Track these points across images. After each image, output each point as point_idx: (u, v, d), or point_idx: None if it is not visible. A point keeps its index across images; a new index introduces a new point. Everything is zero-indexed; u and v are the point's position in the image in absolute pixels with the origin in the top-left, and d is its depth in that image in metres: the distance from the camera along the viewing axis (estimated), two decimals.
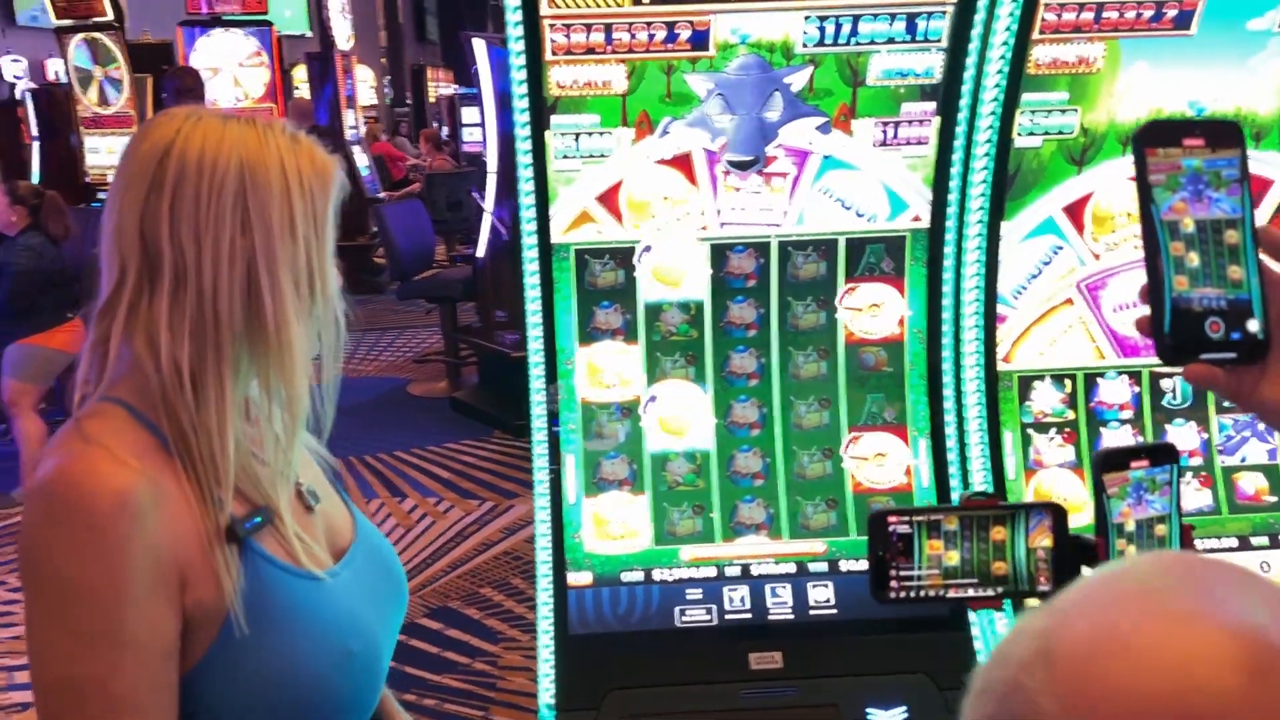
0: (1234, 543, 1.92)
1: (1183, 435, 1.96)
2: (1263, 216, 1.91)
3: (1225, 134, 0.79)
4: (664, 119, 1.81)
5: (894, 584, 1.07)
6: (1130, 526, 1.05)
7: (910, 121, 1.84)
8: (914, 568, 1.07)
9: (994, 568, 1.07)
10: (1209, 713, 0.45)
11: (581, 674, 1.83)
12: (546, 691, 1.82)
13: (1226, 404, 1.96)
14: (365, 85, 17.28)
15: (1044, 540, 1.07)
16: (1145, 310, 0.78)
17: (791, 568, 1.92)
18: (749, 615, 1.89)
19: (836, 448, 1.95)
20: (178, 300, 0.96)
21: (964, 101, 1.82)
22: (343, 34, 11.04)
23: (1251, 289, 0.77)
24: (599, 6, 1.71)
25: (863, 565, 1.87)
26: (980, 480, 1.93)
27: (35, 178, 8.30)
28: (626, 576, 1.91)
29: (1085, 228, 1.91)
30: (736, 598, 1.90)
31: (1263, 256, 0.79)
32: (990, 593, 1.08)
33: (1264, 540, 1.92)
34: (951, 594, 1.08)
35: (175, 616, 0.95)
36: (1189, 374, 0.78)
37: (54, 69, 12.64)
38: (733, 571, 1.92)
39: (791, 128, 1.83)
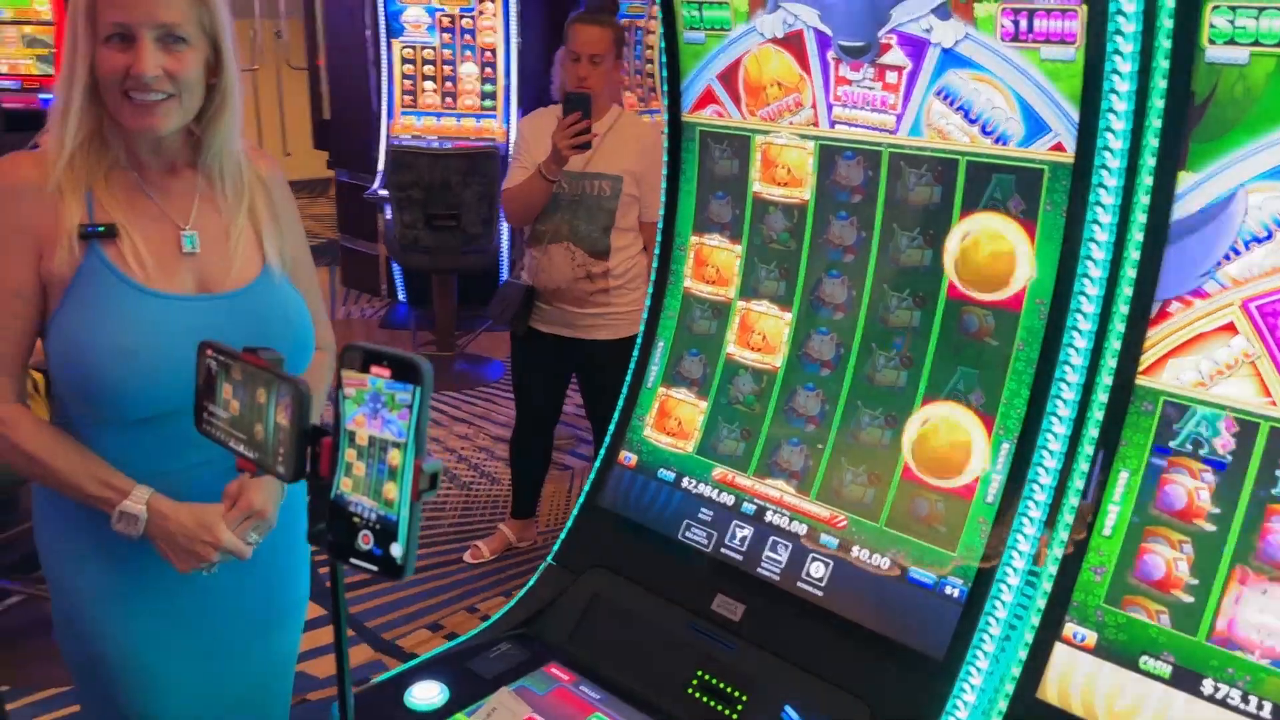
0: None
1: None
2: None
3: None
4: None
5: (206, 417, 1.01)
6: (363, 440, 0.84)
7: (1050, 10, 1.34)
8: (215, 407, 0.99)
9: (255, 430, 0.94)
10: None
11: (584, 538, 1.86)
12: (558, 545, 1.89)
13: None
14: None
15: (284, 418, 0.90)
16: None
17: (804, 530, 1.64)
18: (740, 558, 1.69)
19: (903, 418, 1.58)
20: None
21: None
22: None
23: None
24: None
25: (875, 560, 1.55)
26: (1069, 530, 1.40)
27: None
28: (662, 473, 1.84)
29: None
30: (739, 536, 1.70)
31: None
32: (251, 455, 0.95)
33: None
34: (232, 444, 0.97)
35: (28, 270, 1.31)
36: None
37: None
38: (748, 509, 1.71)
39: (905, 7, 1.48)
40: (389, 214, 5.09)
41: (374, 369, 0.84)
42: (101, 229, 1.32)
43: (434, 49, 6.08)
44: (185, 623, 1.40)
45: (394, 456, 0.85)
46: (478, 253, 4.98)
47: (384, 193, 5.21)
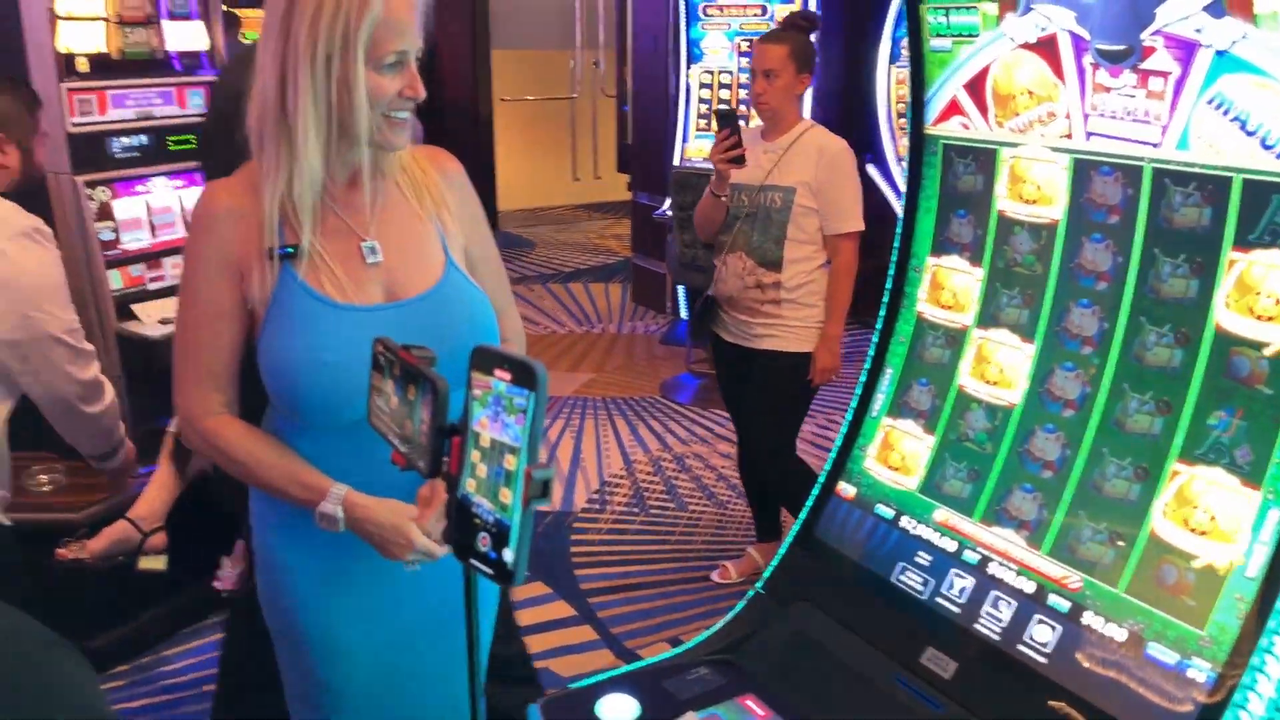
0: None
1: None
2: None
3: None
4: None
5: (374, 409, 1.02)
6: (486, 442, 0.82)
7: None
8: (381, 400, 1.00)
9: (405, 425, 0.93)
10: None
11: (794, 570, 1.78)
12: (768, 572, 1.82)
13: None
14: None
15: (426, 413, 0.89)
16: None
17: (1031, 587, 1.48)
18: (957, 611, 1.54)
19: (1155, 471, 1.38)
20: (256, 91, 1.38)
21: None
22: None
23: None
24: None
25: (1110, 630, 1.38)
26: None
27: None
28: (880, 508, 1.72)
29: None
30: (958, 586, 1.56)
31: None
32: (403, 448, 0.94)
33: None
34: (390, 437, 0.97)
35: (232, 292, 1.39)
36: None
37: None
38: (971, 557, 1.56)
39: (1171, 5, 1.29)
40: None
41: (497, 372, 0.84)
42: (291, 250, 1.36)
43: (730, 74, 6.16)
44: (381, 608, 1.45)
45: (510, 461, 0.84)
46: None
47: (671, 214, 5.34)
